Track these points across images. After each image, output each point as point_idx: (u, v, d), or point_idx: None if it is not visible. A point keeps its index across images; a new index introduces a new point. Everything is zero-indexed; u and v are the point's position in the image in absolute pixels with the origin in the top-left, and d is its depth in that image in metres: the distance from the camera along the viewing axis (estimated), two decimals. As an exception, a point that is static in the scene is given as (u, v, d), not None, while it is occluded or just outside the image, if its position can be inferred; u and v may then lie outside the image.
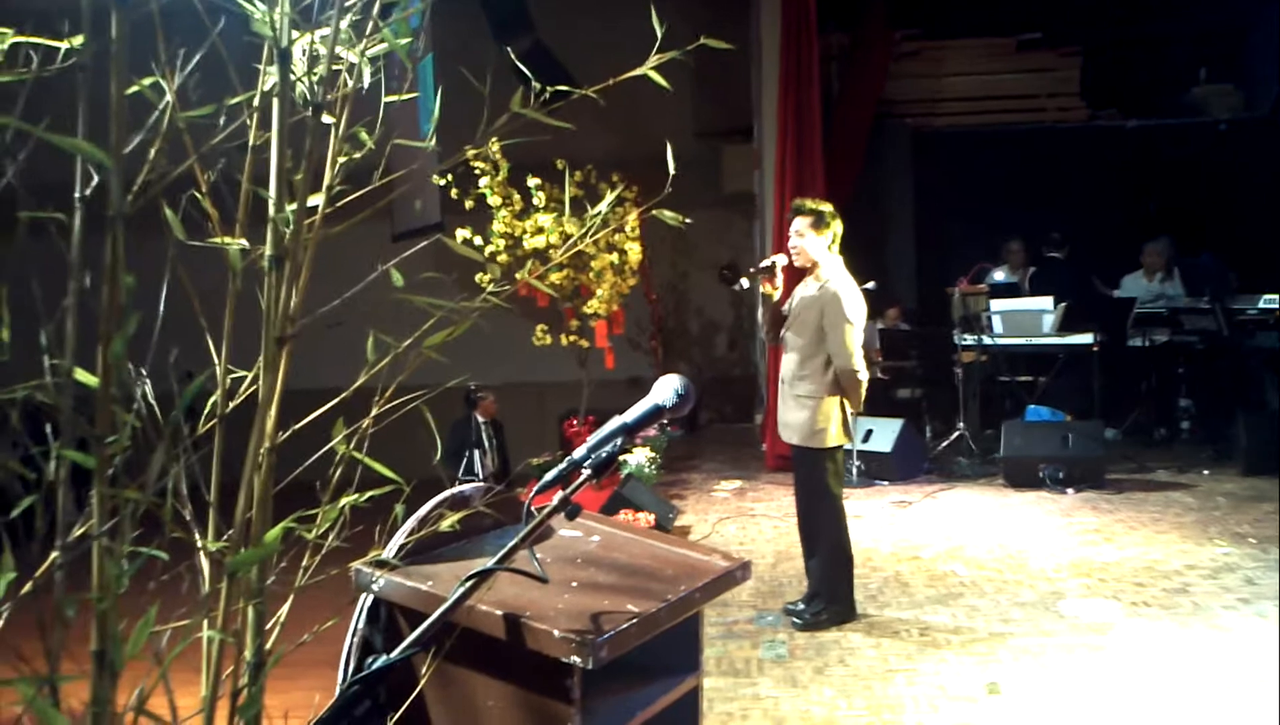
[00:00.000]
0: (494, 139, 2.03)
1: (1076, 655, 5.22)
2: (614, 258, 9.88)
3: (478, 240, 9.17)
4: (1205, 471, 9.28)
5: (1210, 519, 7.74)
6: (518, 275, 2.35)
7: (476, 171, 9.44)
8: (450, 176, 9.41)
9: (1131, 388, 10.64)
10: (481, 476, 9.68)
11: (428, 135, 2.30)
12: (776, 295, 5.85)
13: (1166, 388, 10.75)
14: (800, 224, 5.72)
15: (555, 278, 9.71)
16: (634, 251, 10.04)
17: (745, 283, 6.10)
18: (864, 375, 5.65)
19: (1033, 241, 11.44)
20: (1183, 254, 11.15)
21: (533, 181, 9.52)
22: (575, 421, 10.51)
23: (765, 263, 5.87)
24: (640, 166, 11.07)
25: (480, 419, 10.17)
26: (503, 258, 9.39)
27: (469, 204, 9.55)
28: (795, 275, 5.87)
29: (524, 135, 2.24)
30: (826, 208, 5.75)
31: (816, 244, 5.69)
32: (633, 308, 12.04)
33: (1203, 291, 10.31)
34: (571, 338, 10.18)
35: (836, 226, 5.72)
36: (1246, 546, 6.98)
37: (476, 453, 9.90)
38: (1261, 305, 10.03)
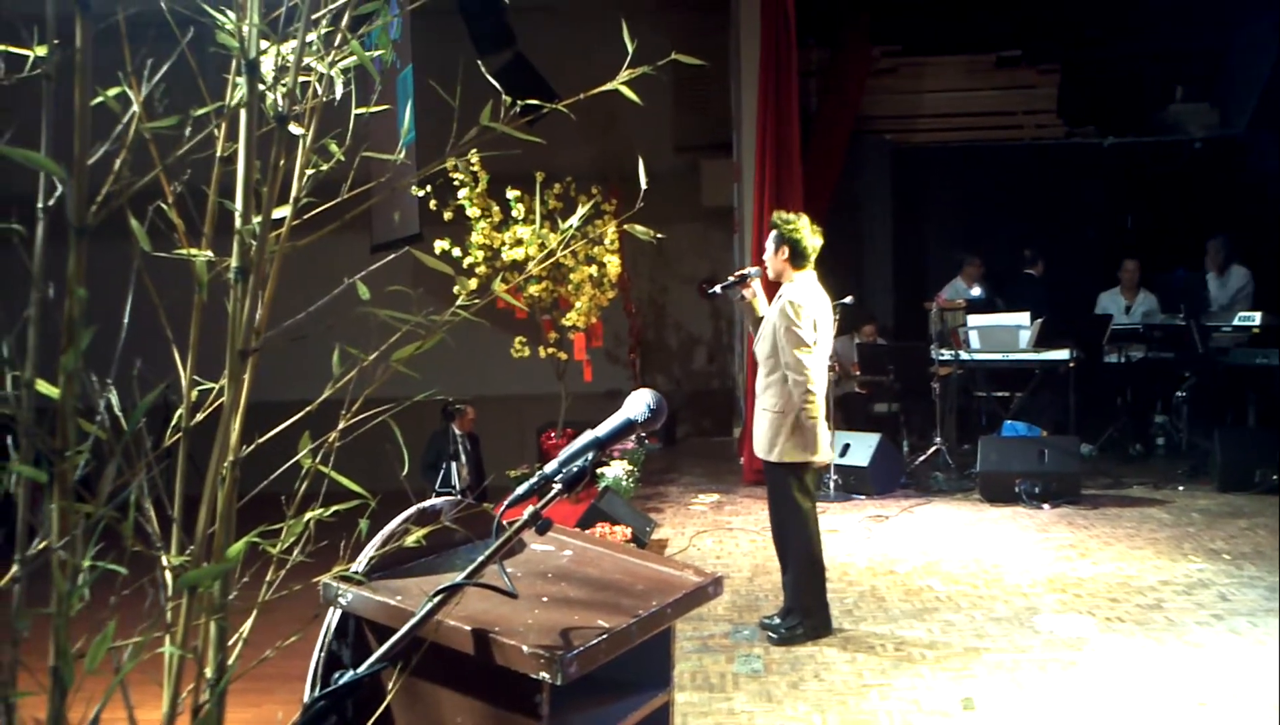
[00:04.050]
0: (475, 151, 2.02)
1: (1051, 671, 5.22)
2: (593, 270, 9.88)
3: (456, 252, 9.16)
4: (1180, 487, 9.32)
5: (1185, 535, 7.77)
6: (493, 286, 2.33)
7: (456, 183, 9.43)
8: (429, 188, 9.40)
9: (1107, 404, 10.69)
10: (458, 489, 9.65)
11: (409, 146, 2.29)
12: (756, 303, 5.88)
13: (1142, 404, 10.81)
14: (771, 238, 5.78)
15: (534, 290, 9.70)
16: (613, 264, 10.05)
17: (718, 288, 6.08)
18: (817, 387, 5.59)
19: (1007, 258, 11.49)
20: (1157, 271, 11.23)
21: (512, 193, 9.52)
22: (553, 434, 10.49)
23: (740, 272, 5.90)
24: (620, 179, 11.14)
25: (458, 432, 10.14)
26: (481, 270, 9.38)
27: (448, 215, 9.54)
28: (775, 285, 5.90)
29: (499, 148, 2.23)
30: (791, 225, 5.74)
31: (779, 259, 5.73)
32: (611, 321, 12.05)
33: (1178, 308, 10.37)
34: (550, 350, 10.17)
35: (801, 241, 5.69)
36: (1220, 562, 7.01)
37: (453, 465, 9.87)
38: (1236, 322, 10.09)
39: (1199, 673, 5.14)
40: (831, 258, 5.94)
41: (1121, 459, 10.41)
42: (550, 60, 11.08)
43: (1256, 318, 10.00)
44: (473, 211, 9.51)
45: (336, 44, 1.88)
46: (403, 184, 7.68)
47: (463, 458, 10.05)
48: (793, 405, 5.60)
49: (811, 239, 5.76)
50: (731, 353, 13.19)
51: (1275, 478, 8.91)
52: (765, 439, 5.72)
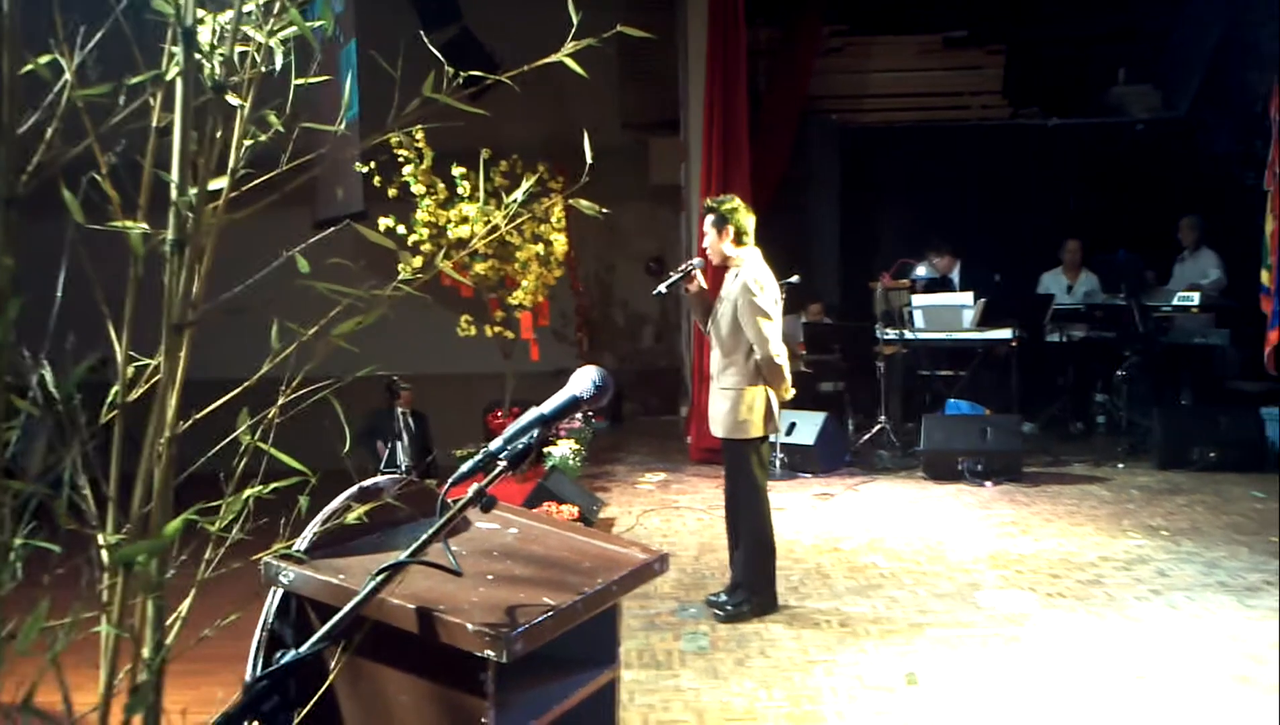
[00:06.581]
0: (419, 127, 2.00)
1: (992, 646, 5.28)
2: (539, 249, 9.82)
3: (401, 229, 9.06)
4: (1120, 465, 9.46)
5: (1124, 512, 7.88)
6: (437, 261, 2.30)
7: (400, 160, 9.32)
8: (374, 164, 9.29)
9: (1049, 382, 10.82)
10: (404, 468, 9.59)
11: (351, 121, 2.25)
12: (703, 288, 5.89)
13: (1083, 382, 10.94)
14: (706, 224, 5.81)
15: (480, 268, 9.63)
16: (560, 243, 9.99)
17: (664, 288, 6.05)
18: (784, 360, 5.67)
19: (956, 239, 11.57)
20: (1099, 251, 11.34)
21: (457, 170, 9.42)
22: (500, 413, 10.44)
23: (682, 268, 5.88)
24: (567, 157, 11.02)
25: (400, 410, 10.08)
26: (426, 247, 9.28)
27: (393, 192, 9.43)
28: (719, 270, 5.91)
29: (440, 120, 2.21)
30: (729, 204, 5.79)
31: (724, 242, 5.75)
32: (559, 299, 12.00)
33: (1119, 288, 10.49)
34: (496, 329, 10.10)
35: (741, 220, 5.75)
36: (1159, 538, 7.12)
37: (398, 444, 9.81)
38: (1176, 302, 10.22)
39: (1138, 647, 5.22)
40: (779, 237, 5.95)
41: (1062, 437, 10.54)
42: (497, 36, 10.99)
43: (1195, 298, 10.13)
44: (418, 188, 9.40)
45: (275, 12, 1.85)
46: (344, 154, 7.58)
47: (405, 438, 9.99)
48: (759, 379, 5.64)
49: (748, 216, 5.80)
50: (679, 332, 13.20)
51: (1213, 455, 9.08)
52: (726, 418, 5.73)
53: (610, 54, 12.63)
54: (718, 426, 5.82)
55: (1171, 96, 12.73)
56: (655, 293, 6.12)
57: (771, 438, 5.90)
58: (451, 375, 12.25)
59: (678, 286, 5.93)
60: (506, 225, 2.48)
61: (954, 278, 11.16)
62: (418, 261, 8.94)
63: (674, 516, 8.15)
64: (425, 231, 9.40)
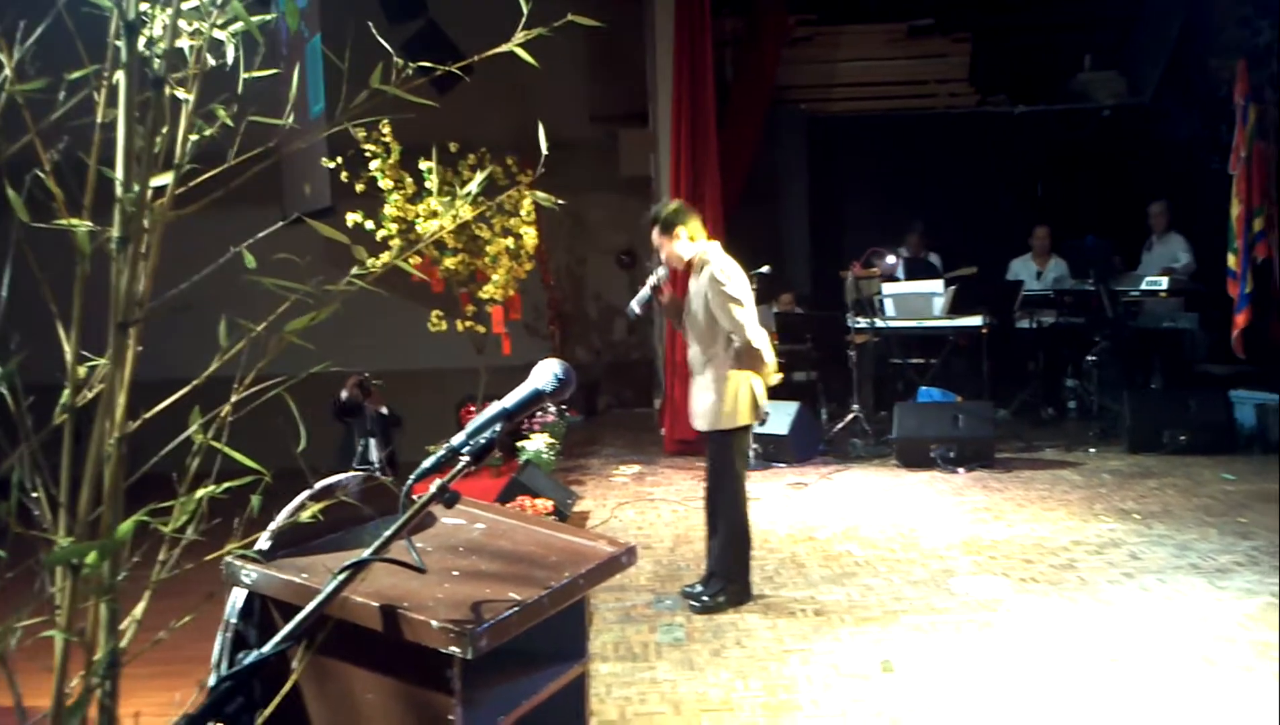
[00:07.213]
0: (385, 121, 1.97)
1: (966, 632, 5.30)
2: (509, 242, 9.77)
3: (369, 225, 9.00)
4: (1091, 449, 9.51)
5: (1096, 496, 7.92)
6: (390, 255, 2.28)
7: (368, 155, 9.25)
8: (340, 160, 9.21)
9: (1020, 368, 10.87)
10: (376, 466, 9.54)
11: (318, 116, 2.22)
12: (673, 296, 5.91)
13: (1054, 368, 11.00)
14: (655, 236, 5.79)
15: (450, 262, 9.57)
16: (530, 236, 9.94)
17: (636, 308, 5.99)
18: (763, 343, 5.63)
19: (930, 226, 11.62)
20: (1067, 237, 11.39)
21: (425, 165, 9.35)
22: (473, 408, 10.39)
23: (649, 282, 5.85)
24: (535, 150, 11.02)
25: (370, 408, 10.02)
26: (395, 242, 9.22)
27: (360, 188, 9.35)
28: (685, 273, 5.89)
29: (407, 114, 2.18)
30: (669, 208, 5.83)
31: (677, 246, 5.73)
32: (530, 293, 11.95)
33: (1088, 273, 10.54)
34: (467, 324, 10.05)
35: (686, 219, 5.76)
36: (1130, 522, 7.15)
37: (371, 442, 9.75)
38: (1144, 286, 10.28)
39: (1111, 630, 5.24)
40: (749, 227, 5.94)
41: (1034, 423, 10.58)
42: (463, 29, 10.92)
43: (1163, 282, 10.19)
44: (385, 183, 9.33)
45: (222, 5, 1.82)
46: (292, 149, 7.51)
47: (377, 434, 9.93)
48: (741, 366, 5.62)
49: (691, 213, 5.80)
50: (651, 324, 13.17)
51: (1183, 438, 9.13)
52: (711, 410, 5.70)
53: (579, 47, 12.59)
54: (702, 420, 5.79)
55: (1137, 83, 12.81)
56: (630, 314, 6.03)
57: (755, 426, 5.87)
58: (425, 371, 12.20)
59: (650, 300, 5.90)
60: (469, 216, 2.45)
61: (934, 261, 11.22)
62: (386, 257, 8.90)
63: (649, 509, 8.14)
64: (394, 227, 9.33)
